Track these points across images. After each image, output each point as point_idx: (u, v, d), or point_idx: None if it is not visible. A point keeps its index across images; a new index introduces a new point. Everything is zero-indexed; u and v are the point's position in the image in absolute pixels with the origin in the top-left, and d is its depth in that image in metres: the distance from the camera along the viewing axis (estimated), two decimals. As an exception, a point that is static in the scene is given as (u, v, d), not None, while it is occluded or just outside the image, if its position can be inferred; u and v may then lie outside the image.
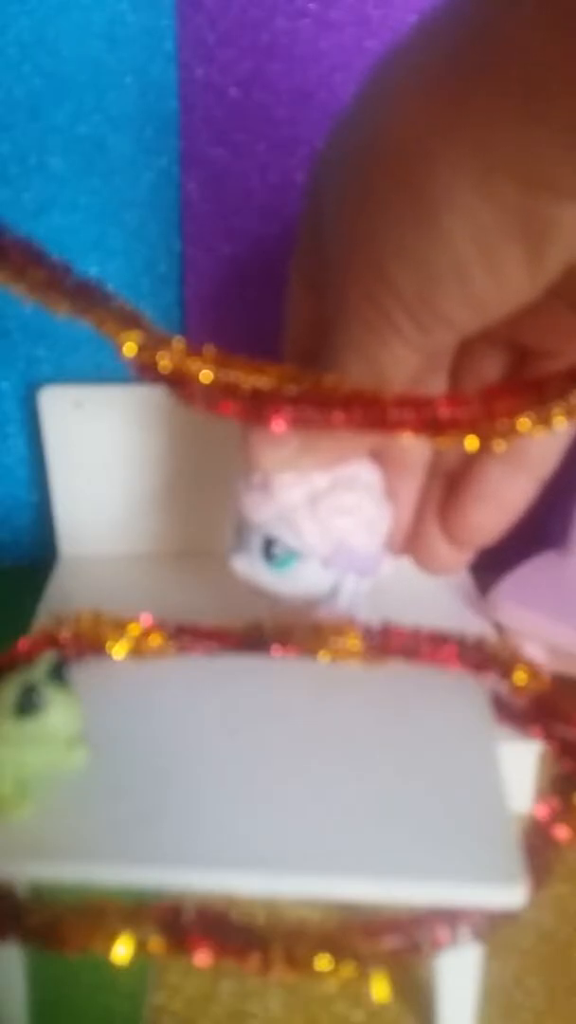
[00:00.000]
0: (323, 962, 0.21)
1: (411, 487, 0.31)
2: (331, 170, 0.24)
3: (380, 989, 0.22)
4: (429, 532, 0.31)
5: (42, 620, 0.40)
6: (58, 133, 0.47)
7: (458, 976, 0.37)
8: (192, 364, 0.23)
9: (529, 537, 0.54)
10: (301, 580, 0.31)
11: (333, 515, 0.30)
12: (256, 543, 0.31)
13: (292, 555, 0.31)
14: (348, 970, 0.22)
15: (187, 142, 0.47)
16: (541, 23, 0.17)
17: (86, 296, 0.22)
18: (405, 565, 0.32)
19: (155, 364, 0.23)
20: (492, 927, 0.23)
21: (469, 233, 0.20)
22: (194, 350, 0.23)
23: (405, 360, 0.23)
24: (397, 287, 0.22)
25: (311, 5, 0.44)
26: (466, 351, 0.28)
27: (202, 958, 0.22)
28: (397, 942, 0.22)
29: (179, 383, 0.23)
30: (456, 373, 0.28)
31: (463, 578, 0.47)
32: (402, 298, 0.22)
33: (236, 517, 0.32)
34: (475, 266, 0.21)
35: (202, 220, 0.49)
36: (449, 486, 0.30)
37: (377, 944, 0.22)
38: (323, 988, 0.40)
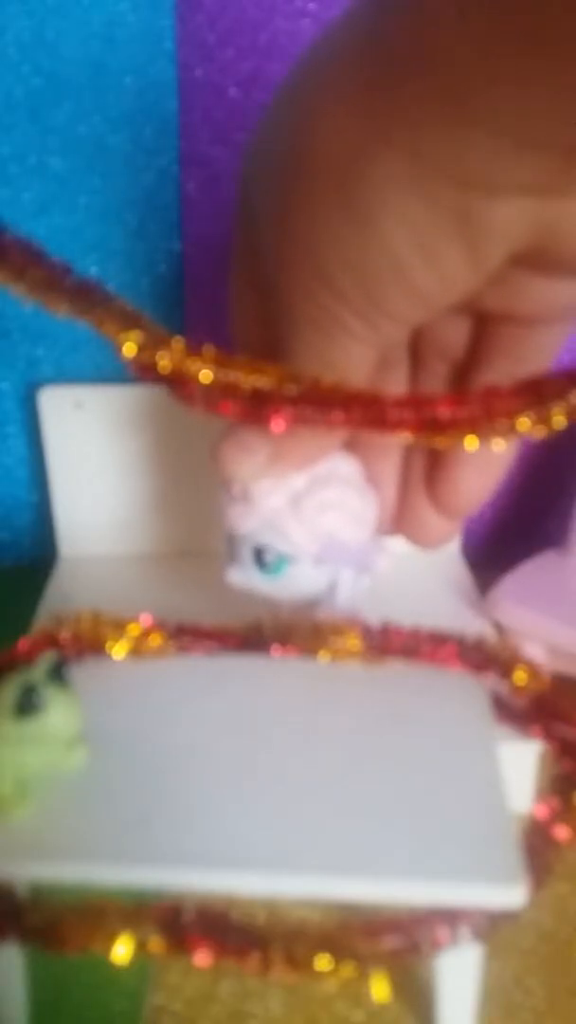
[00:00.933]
0: (323, 962, 0.21)
1: (391, 466, 0.30)
2: (259, 173, 0.23)
3: (380, 989, 0.22)
4: (418, 506, 0.30)
5: (42, 620, 0.40)
6: (58, 133, 0.47)
7: (458, 976, 0.37)
8: (192, 364, 0.23)
9: (529, 537, 0.54)
10: (297, 582, 0.31)
11: (317, 513, 0.30)
12: (247, 553, 0.31)
13: (283, 560, 0.31)
14: (348, 970, 0.21)
15: (187, 142, 0.47)
16: (461, 28, 0.17)
17: (86, 296, 0.22)
18: (405, 565, 0.32)
19: (155, 364, 0.22)
20: (492, 927, 0.23)
21: (407, 233, 0.20)
22: (194, 350, 0.23)
23: (360, 356, 0.24)
24: (340, 289, 0.22)
25: (311, 5, 0.44)
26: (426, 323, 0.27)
27: (202, 958, 0.21)
28: (397, 942, 0.22)
29: (179, 383, 0.23)
30: (418, 344, 0.28)
31: (463, 578, 0.47)
32: (346, 299, 0.22)
33: (226, 530, 0.32)
34: (415, 265, 0.21)
35: (202, 220, 0.49)
36: (432, 457, 0.30)
37: (377, 944, 0.22)
38: (323, 988, 0.40)
